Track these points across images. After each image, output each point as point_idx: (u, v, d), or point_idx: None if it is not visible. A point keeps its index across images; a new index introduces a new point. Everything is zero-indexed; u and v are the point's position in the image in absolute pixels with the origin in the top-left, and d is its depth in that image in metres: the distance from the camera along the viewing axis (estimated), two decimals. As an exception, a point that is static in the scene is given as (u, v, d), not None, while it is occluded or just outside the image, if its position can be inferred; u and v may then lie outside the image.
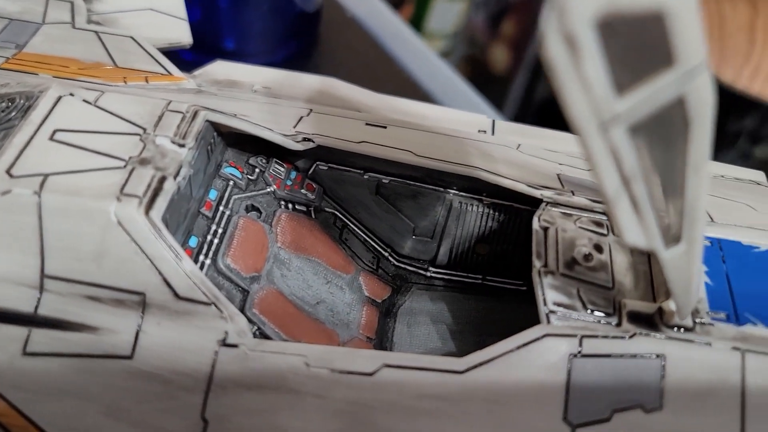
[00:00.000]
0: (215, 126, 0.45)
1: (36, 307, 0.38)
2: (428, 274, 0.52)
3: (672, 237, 0.33)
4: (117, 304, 0.37)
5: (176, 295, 0.37)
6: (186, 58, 0.72)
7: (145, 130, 0.41)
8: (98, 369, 0.37)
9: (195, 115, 0.43)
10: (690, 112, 0.27)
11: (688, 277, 0.34)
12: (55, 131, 0.40)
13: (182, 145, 0.41)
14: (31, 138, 0.40)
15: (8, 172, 0.38)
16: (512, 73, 1.54)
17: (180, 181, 0.40)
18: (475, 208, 0.51)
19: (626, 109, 0.26)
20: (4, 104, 0.43)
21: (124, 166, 0.39)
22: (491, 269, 0.52)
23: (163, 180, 0.39)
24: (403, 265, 0.53)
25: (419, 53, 0.99)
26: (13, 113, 0.42)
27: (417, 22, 1.51)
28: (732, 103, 1.19)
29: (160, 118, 0.42)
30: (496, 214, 0.51)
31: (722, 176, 0.54)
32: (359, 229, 0.52)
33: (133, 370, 0.37)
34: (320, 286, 0.47)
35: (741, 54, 1.30)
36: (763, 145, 1.27)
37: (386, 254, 0.53)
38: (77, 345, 0.37)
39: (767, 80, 1.26)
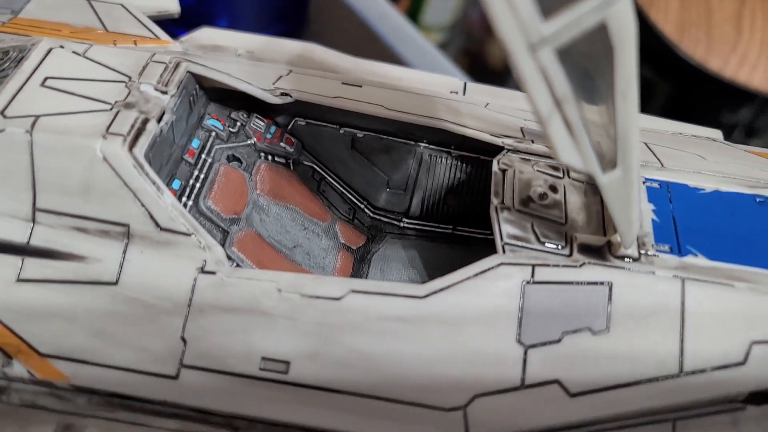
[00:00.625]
0: (198, 80, 0.49)
1: (29, 238, 0.41)
2: (402, 224, 0.55)
3: (608, 162, 0.36)
4: (103, 234, 0.40)
5: (158, 226, 0.40)
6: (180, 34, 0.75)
7: (130, 78, 0.44)
8: (86, 294, 0.40)
9: (177, 65, 0.46)
10: (612, 38, 0.30)
11: (628, 202, 0.37)
12: (46, 78, 0.43)
13: (165, 92, 0.44)
14: (24, 84, 0.43)
15: (2, 113, 0.41)
16: (509, 68, 1.56)
17: (162, 126, 0.43)
18: (444, 160, 0.54)
19: (552, 33, 0.29)
20: (-2, 57, 0.46)
21: (110, 109, 0.42)
22: (461, 219, 0.55)
23: (146, 122, 0.42)
24: (378, 217, 0.56)
25: (409, 37, 1.02)
26: (7, 64, 0.45)
27: (413, 14, 1.54)
28: (726, 95, 1.21)
29: (144, 67, 0.45)
30: (464, 166, 0.54)
31: (680, 133, 0.57)
32: (336, 182, 0.55)
33: (117, 295, 0.40)
34: (297, 232, 0.50)
35: (728, 43, 1.33)
36: (758, 138, 1.29)
37: (362, 206, 0.56)
38: (66, 272, 0.40)
39: (754, 69, 1.29)
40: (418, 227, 0.55)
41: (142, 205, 0.40)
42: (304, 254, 0.49)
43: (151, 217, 0.40)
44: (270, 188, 0.50)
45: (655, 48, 1.04)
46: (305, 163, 0.55)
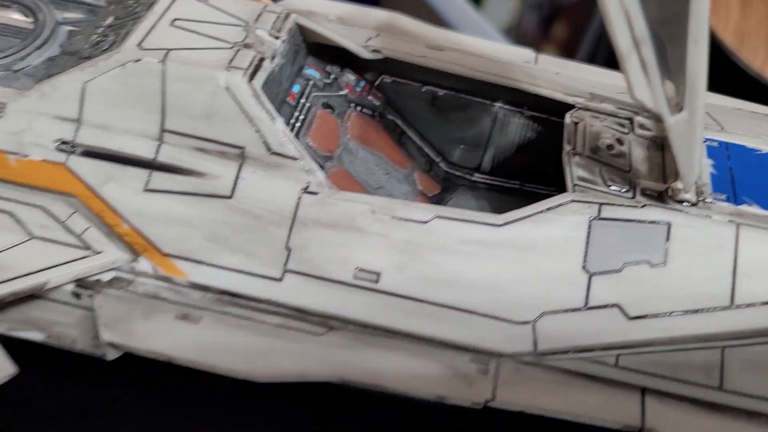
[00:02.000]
0: (301, 32, 0.54)
1: (155, 155, 0.46)
2: (473, 178, 0.60)
3: (676, 106, 0.40)
4: (221, 155, 0.46)
5: (269, 149, 0.46)
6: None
7: (247, 23, 0.50)
8: (204, 205, 0.46)
9: (287, 16, 0.52)
10: (690, -14, 0.35)
11: (691, 144, 0.42)
12: (174, 19, 0.49)
13: (277, 38, 0.50)
14: (155, 24, 0.49)
15: (138, 45, 0.47)
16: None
17: (274, 66, 0.49)
18: (516, 119, 0.58)
19: (637, -25, 0.34)
20: (131, 1, 0.53)
21: (231, 48, 0.48)
22: (528, 176, 0.60)
23: (262, 60, 0.47)
24: (451, 171, 0.61)
25: (475, 23, 1.07)
26: (139, 8, 0.51)
27: (469, 15, 1.58)
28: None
29: (259, 15, 0.51)
30: (535, 125, 0.58)
31: (739, 109, 0.61)
32: (415, 136, 0.60)
33: (231, 207, 0.45)
34: (381, 175, 0.55)
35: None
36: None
37: (437, 160, 0.61)
38: (187, 186, 0.46)
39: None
40: (488, 182, 0.60)
41: (257, 131, 0.46)
42: (387, 195, 0.54)
43: (264, 141, 0.46)
44: (359, 134, 0.56)
45: (712, 56, 1.06)
46: (389, 117, 0.60)
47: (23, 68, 0.51)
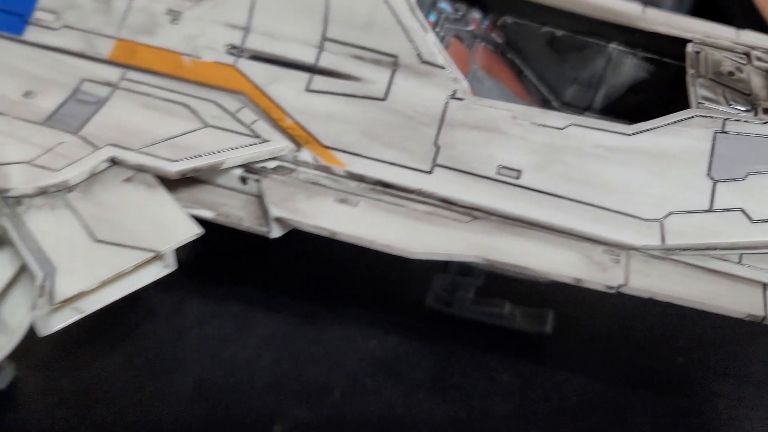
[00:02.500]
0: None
1: (316, 60, 0.51)
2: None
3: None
4: (376, 62, 0.51)
5: (420, 58, 0.50)
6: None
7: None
8: (360, 105, 0.50)
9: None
10: None
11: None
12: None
13: None
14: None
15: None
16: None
17: None
18: (630, 60, 0.62)
19: None
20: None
21: None
22: (637, 117, 0.63)
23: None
24: (563, 110, 0.65)
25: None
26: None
27: None
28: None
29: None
30: (648, 66, 0.62)
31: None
32: (532, 75, 0.65)
33: (385, 108, 0.50)
34: None
35: None
36: None
37: (551, 99, 0.65)
38: (345, 88, 0.51)
39: None
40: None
41: (410, 41, 0.50)
42: (509, 121, 0.59)
43: (416, 51, 0.50)
44: (485, 65, 0.60)
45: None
46: (508, 55, 0.64)
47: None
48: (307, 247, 0.67)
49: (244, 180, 0.49)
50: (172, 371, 0.62)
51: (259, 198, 0.49)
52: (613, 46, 0.62)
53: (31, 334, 0.48)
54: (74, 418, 0.59)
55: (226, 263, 0.71)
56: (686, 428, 0.63)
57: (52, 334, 0.58)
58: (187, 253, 0.65)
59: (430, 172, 0.48)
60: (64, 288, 0.39)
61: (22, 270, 0.49)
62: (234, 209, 0.49)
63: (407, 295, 0.69)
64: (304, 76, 0.51)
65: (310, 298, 0.68)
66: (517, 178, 0.48)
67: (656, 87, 0.63)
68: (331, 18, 0.51)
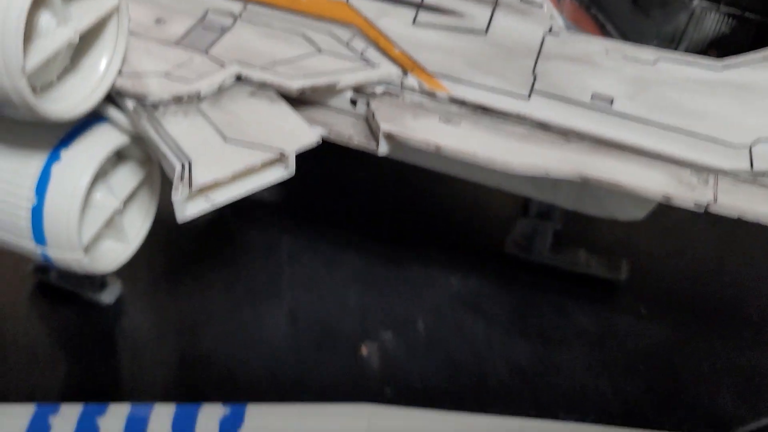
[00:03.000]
0: None
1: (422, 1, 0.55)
2: None
3: None
4: (478, 0, 0.55)
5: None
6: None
7: None
8: (462, 38, 0.54)
9: None
10: None
11: None
12: None
13: None
14: None
15: None
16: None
17: None
18: (712, 15, 0.65)
19: None
20: None
21: None
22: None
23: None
24: None
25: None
26: None
27: None
28: None
29: None
30: (730, 21, 0.65)
31: None
32: (614, 31, 0.68)
33: (486, 40, 0.54)
34: None
35: None
36: None
37: None
38: (449, 22, 0.55)
39: None
40: (679, 73, 0.67)
41: (507, -19, 0.54)
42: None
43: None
44: (572, 17, 0.64)
45: None
46: (591, 11, 0.67)
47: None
48: (391, 192, 0.72)
49: (354, 102, 0.53)
50: (267, 300, 0.66)
51: (367, 120, 0.53)
52: (696, 1, 0.65)
53: (134, 260, 0.53)
54: (175, 339, 0.64)
55: (315, 206, 0.75)
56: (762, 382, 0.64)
57: (155, 261, 0.63)
58: (279, 195, 0.69)
59: (527, 98, 0.52)
60: (201, 177, 0.44)
61: (140, 185, 0.54)
62: (344, 128, 0.53)
63: (487, 239, 0.73)
64: (410, 11, 0.55)
65: (394, 239, 0.72)
66: (610, 104, 0.51)
67: (737, 43, 0.65)
68: (437, -41, 0.55)
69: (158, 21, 0.55)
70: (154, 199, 0.58)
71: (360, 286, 0.68)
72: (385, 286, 0.68)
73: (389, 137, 0.51)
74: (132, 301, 0.65)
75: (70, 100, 0.46)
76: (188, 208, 0.45)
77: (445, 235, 0.74)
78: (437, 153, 0.50)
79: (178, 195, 0.44)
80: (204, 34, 0.54)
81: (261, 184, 0.47)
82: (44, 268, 0.66)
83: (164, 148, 0.46)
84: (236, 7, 0.56)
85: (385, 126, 0.51)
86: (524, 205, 0.69)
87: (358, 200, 0.76)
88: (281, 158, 0.47)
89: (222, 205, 0.46)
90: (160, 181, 0.57)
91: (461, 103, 0.52)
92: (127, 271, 0.61)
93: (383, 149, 0.52)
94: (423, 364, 0.62)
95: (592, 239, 0.71)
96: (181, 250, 0.70)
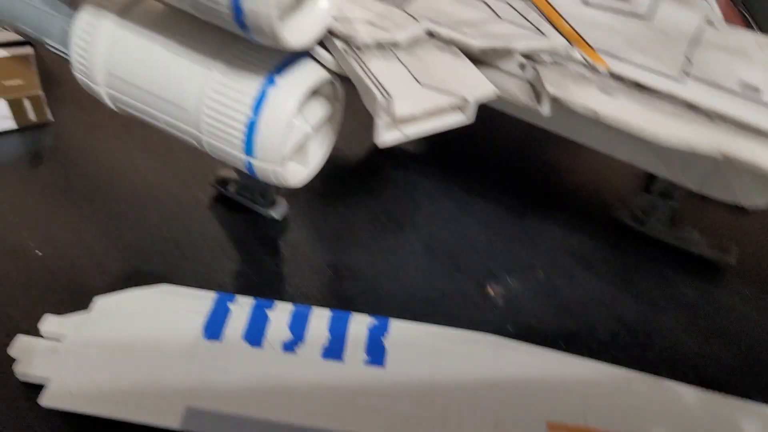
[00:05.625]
0: None
1: (593, -20, 0.62)
2: None
3: None
4: (644, -13, 0.61)
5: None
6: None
7: None
8: (626, 20, 0.61)
9: None
10: None
11: None
12: None
13: None
14: None
15: None
16: None
17: None
18: None
19: None
20: None
21: None
22: None
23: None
24: None
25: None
26: None
27: None
28: None
29: None
30: None
31: None
32: (756, 29, 0.73)
33: (647, 25, 0.60)
34: None
35: None
36: None
37: None
38: (615, 4, 0.61)
39: None
40: None
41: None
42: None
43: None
44: (723, 12, 0.69)
45: None
46: (738, 7, 0.73)
47: None
48: (520, 155, 0.79)
49: (522, 67, 0.60)
50: (407, 230, 0.75)
51: (532, 83, 0.60)
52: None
53: (297, 190, 0.61)
54: (329, 254, 0.73)
55: (453, 159, 0.83)
56: None
57: (314, 188, 0.72)
58: (422, 146, 0.78)
59: (680, 81, 0.58)
60: (400, 109, 0.52)
61: (326, 119, 0.63)
62: (512, 88, 0.60)
63: (605, 207, 0.80)
64: (583, -8, 0.62)
65: (519, 195, 0.80)
66: (756, 92, 0.57)
67: None
68: (611, -53, 0.62)
69: (360, -25, 0.63)
70: (333, 133, 0.67)
71: (488, 233, 0.76)
72: (510, 234, 0.76)
73: (553, 99, 0.58)
74: (294, 218, 0.75)
75: (296, 32, 0.55)
76: (386, 135, 0.53)
77: (566, 198, 0.81)
78: (594, 117, 0.57)
79: (381, 122, 0.52)
80: (399, -8, 0.62)
81: (444, 125, 0.56)
82: (224, 181, 0.76)
83: (368, 83, 0.55)
84: (425, -27, 0.64)
85: (550, 89, 0.58)
86: (647, 182, 0.76)
87: (490, 159, 0.84)
88: (463, 104, 0.55)
89: (410, 138, 0.55)
90: (341, 118, 0.66)
91: (619, 78, 0.59)
92: (293, 192, 0.70)
93: (545, 110, 0.59)
94: (541, 308, 0.69)
95: (706, 222, 0.77)
96: (338, 180, 0.79)
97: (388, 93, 0.53)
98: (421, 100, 0.53)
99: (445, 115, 0.55)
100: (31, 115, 0.76)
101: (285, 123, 0.58)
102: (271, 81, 0.58)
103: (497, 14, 0.61)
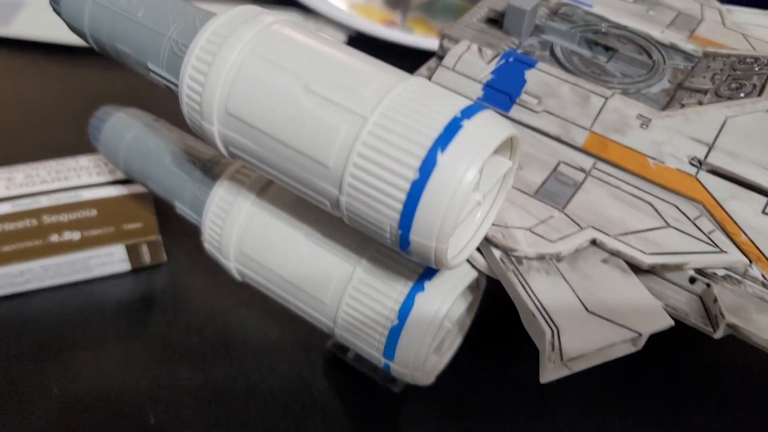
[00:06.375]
0: None
1: (774, 186, 0.57)
2: None
3: None
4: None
5: None
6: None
7: None
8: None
9: None
10: None
11: None
12: (801, 83, 0.60)
13: None
14: (778, 81, 0.59)
15: (779, 98, 0.58)
16: None
17: None
18: None
19: None
20: (735, 58, 0.64)
21: None
22: None
23: None
24: None
25: None
26: (758, 68, 0.62)
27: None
28: None
29: None
30: None
31: None
32: None
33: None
34: None
35: None
36: None
37: None
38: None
39: None
40: None
41: None
42: None
43: None
44: None
45: None
46: None
47: (646, 93, 0.64)
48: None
49: (692, 280, 0.55)
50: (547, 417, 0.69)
51: (703, 300, 0.55)
52: None
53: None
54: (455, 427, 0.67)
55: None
56: None
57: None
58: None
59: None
60: (571, 349, 0.47)
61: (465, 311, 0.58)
62: (678, 303, 0.55)
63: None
64: (761, 198, 0.56)
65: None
66: None
67: None
68: (796, 151, 0.56)
69: (517, 167, 0.59)
70: (468, 321, 0.62)
71: None
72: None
73: (732, 327, 0.52)
74: (414, 389, 0.70)
75: (455, 249, 0.51)
76: (553, 375, 0.48)
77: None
78: (777, 353, 0.51)
79: (549, 362, 0.47)
80: (558, 188, 0.58)
81: (611, 357, 0.50)
82: (343, 347, 0.72)
83: (532, 308, 0.50)
84: (587, 163, 0.60)
85: (729, 317, 0.52)
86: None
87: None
88: (635, 338, 0.50)
89: (577, 371, 0.50)
90: (478, 307, 0.62)
91: None
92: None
93: (719, 335, 0.53)
94: None
95: None
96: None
97: (555, 324, 0.49)
98: (592, 337, 0.48)
99: (616, 349, 0.50)
100: (146, 258, 0.74)
101: (432, 333, 0.53)
102: (420, 287, 0.54)
103: (665, 221, 0.56)
